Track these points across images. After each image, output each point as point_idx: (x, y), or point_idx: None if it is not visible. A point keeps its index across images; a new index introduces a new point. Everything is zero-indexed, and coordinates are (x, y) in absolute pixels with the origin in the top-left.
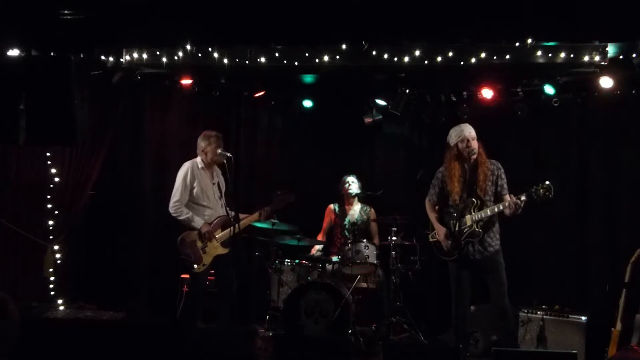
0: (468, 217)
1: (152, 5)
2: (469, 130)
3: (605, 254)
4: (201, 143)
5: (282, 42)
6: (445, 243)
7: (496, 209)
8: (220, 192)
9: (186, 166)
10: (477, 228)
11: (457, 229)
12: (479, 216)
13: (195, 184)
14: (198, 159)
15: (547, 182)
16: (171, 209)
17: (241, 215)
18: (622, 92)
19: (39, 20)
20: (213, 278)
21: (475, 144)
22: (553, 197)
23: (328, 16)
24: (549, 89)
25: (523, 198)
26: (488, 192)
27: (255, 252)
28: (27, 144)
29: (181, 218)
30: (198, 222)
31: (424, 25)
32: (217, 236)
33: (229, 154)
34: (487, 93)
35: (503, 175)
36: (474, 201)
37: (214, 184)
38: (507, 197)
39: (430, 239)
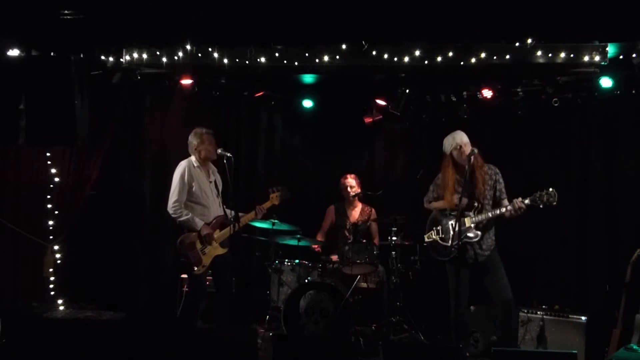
0: (467, 219)
1: (152, 5)
2: (460, 137)
3: (605, 254)
4: (193, 141)
5: (282, 42)
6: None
7: (497, 212)
8: (218, 190)
9: (182, 165)
10: (476, 230)
11: (456, 230)
12: (479, 218)
13: (193, 183)
14: (193, 158)
15: (552, 189)
16: (170, 210)
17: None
18: (622, 92)
19: (39, 20)
20: (211, 278)
21: (468, 148)
22: (557, 204)
23: (328, 16)
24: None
25: (527, 202)
26: (487, 196)
27: (255, 252)
28: (27, 144)
29: (181, 219)
30: (198, 223)
31: (424, 25)
32: (215, 237)
33: (228, 154)
34: (487, 93)
35: (501, 180)
36: (475, 205)
37: (210, 182)
38: (506, 201)
39: (427, 239)
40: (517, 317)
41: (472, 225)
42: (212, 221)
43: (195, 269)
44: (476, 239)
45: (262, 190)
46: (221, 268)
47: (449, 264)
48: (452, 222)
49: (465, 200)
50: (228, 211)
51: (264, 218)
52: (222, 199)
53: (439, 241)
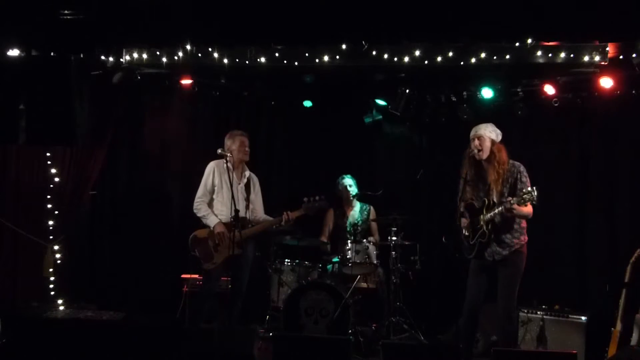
0: (481, 216)
1: (152, 5)
2: (476, 129)
3: (605, 254)
4: (227, 142)
5: (282, 42)
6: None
7: (496, 210)
8: (248, 192)
9: (211, 165)
10: (487, 229)
11: (464, 226)
12: (488, 217)
13: (216, 182)
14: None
15: (529, 188)
16: (194, 204)
17: (263, 218)
18: (622, 92)
19: (39, 20)
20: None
21: (476, 144)
22: (536, 203)
23: (328, 16)
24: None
25: (514, 201)
26: (505, 194)
27: (255, 252)
28: (27, 144)
29: (199, 215)
30: (212, 220)
31: (424, 25)
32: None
33: (228, 154)
34: (487, 93)
35: (524, 178)
36: (485, 201)
37: (239, 184)
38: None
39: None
40: (517, 318)
41: (484, 224)
42: (230, 221)
43: (205, 264)
44: (485, 238)
45: (262, 190)
46: (237, 268)
47: (471, 262)
48: (474, 219)
49: (464, 204)
50: (264, 217)
51: (292, 225)
52: (258, 201)
53: (463, 239)
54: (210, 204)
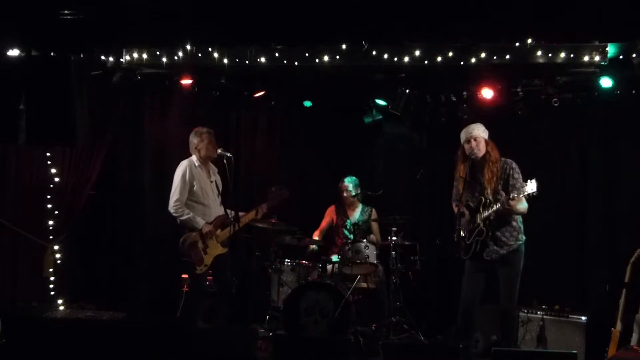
0: (477, 215)
1: (152, 5)
2: (470, 131)
3: (605, 254)
4: (193, 140)
5: (282, 42)
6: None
7: (494, 207)
8: (218, 190)
9: (184, 165)
10: (484, 227)
11: (461, 226)
12: (485, 215)
13: (194, 182)
14: (194, 157)
15: (528, 181)
16: (171, 209)
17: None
18: (622, 92)
19: (39, 20)
20: (211, 278)
21: (473, 145)
22: (537, 194)
23: (328, 16)
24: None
25: (513, 195)
26: (499, 191)
27: (255, 252)
28: (27, 144)
29: (182, 218)
30: (199, 222)
31: (424, 25)
32: (217, 235)
33: (229, 154)
34: (487, 93)
35: (516, 175)
36: (481, 199)
37: (211, 182)
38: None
39: (456, 239)
40: (517, 318)
41: (481, 222)
42: (213, 220)
43: (197, 268)
44: (483, 236)
45: (262, 190)
46: (221, 267)
47: (467, 262)
48: (471, 219)
49: (464, 210)
50: (229, 211)
51: (264, 217)
52: (221, 199)
53: (460, 240)
54: (187, 205)
